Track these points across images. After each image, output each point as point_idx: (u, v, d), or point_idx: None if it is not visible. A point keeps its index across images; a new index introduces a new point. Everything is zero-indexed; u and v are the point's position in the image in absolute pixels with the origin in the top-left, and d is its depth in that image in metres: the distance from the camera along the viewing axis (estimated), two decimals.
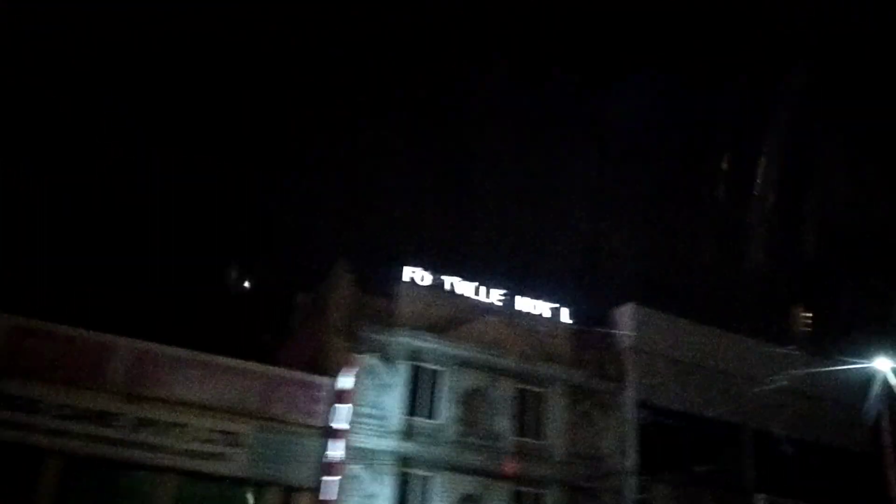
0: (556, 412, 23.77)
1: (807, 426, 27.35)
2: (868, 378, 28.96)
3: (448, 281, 23.57)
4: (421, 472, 21.39)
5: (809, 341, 30.03)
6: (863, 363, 29.49)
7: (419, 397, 22.18)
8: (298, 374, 19.77)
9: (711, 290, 29.09)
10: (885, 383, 29.17)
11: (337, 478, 19.17)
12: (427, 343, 22.39)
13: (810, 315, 29.89)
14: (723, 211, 29.79)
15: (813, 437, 27.34)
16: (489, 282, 24.05)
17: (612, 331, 25.79)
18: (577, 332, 24.98)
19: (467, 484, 21.79)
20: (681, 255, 29.35)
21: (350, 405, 19.99)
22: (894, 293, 31.03)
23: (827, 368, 28.91)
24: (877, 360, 29.35)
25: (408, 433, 21.45)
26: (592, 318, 25.89)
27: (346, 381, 20.08)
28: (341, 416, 19.71)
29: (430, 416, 22.13)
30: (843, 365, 29.53)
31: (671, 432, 24.89)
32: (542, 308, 24.58)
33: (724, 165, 29.29)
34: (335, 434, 19.51)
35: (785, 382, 27.36)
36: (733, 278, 29.63)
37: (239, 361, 19.29)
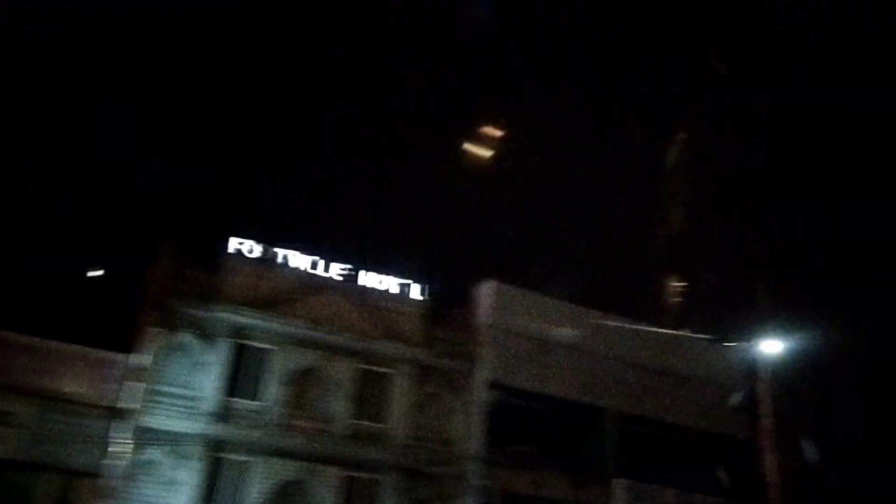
0: (401, 393, 22.46)
1: (680, 410, 26.29)
2: (749, 361, 28.06)
3: (282, 254, 22.08)
4: (237, 458, 19.99)
5: (687, 322, 28.96)
6: (745, 345, 28.59)
7: (242, 377, 20.76)
8: (88, 351, 18.26)
9: (583, 269, 27.85)
10: (768, 366, 28.26)
11: (124, 462, 17.72)
12: (253, 320, 20.95)
13: (683, 285, 28.74)
14: (596, 186, 28.57)
15: (686, 421, 26.26)
16: (331, 255, 22.62)
17: (468, 308, 24.51)
18: (431, 309, 23.66)
19: (291, 469, 20.43)
20: (553, 232, 28.08)
21: (144, 384, 18.53)
22: (780, 275, 30.05)
23: (705, 350, 27.99)
24: (764, 342, 28.48)
25: (224, 415, 20.03)
26: (449, 295, 24.61)
27: (141, 359, 18.61)
28: (133, 396, 18.25)
29: (253, 398, 20.73)
30: (724, 346, 28.62)
31: (527, 415, 23.69)
32: (391, 284, 23.23)
33: (598, 141, 28.08)
34: (126, 414, 18.05)
35: (656, 364, 26.32)
36: (608, 258, 28.43)
37: (18, 336, 17.74)
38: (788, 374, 28.60)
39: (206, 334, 20.41)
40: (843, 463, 26.79)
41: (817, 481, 26.26)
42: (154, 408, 18.80)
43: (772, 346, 28.84)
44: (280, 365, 21.16)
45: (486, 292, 24.59)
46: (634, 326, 26.29)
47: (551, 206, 27.85)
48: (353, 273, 22.73)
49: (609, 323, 25.95)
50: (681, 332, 27.38)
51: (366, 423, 21.82)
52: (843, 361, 28.61)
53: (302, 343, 21.47)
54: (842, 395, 28.00)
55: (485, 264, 25.54)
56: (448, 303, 24.47)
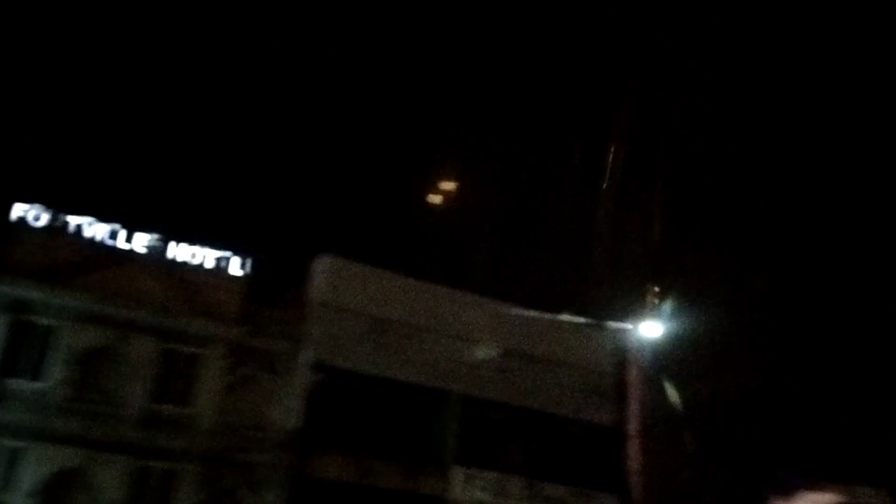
0: (211, 375, 20.66)
1: (540, 394, 24.58)
2: (623, 344, 26.58)
3: (76, 222, 20.10)
4: (7, 442, 18.16)
5: (561, 303, 27.26)
6: (621, 328, 27.10)
7: (22, 356, 18.91)
8: None
9: (447, 245, 26.09)
10: (638, 349, 26.78)
11: None
12: (34, 294, 19.08)
13: (558, 264, 27.00)
14: (464, 150, 26.87)
15: (547, 406, 24.56)
16: (136, 225, 20.72)
17: (300, 285, 22.69)
18: (254, 285, 21.85)
19: (70, 457, 18.59)
20: (412, 201, 26.29)
21: None
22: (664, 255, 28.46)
23: (573, 332, 26.34)
24: (643, 324, 27.14)
25: None
26: (279, 269, 22.78)
27: None
28: None
29: (34, 378, 18.89)
30: (596, 329, 26.98)
31: (361, 399, 21.93)
32: (206, 257, 21.39)
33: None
34: None
35: (514, 345, 24.59)
36: (474, 232, 26.71)
37: None
38: (665, 358, 27.21)
39: None
40: (711, 450, 25.26)
41: (681, 471, 24.72)
42: None
43: (650, 330, 27.44)
44: (67, 343, 19.32)
45: (321, 268, 22.78)
46: (490, 305, 24.56)
47: (411, 171, 25.97)
48: (161, 243, 20.87)
49: (462, 301, 24.22)
50: (544, 314, 25.63)
51: (167, 407, 20.03)
52: (723, 346, 27.16)
53: (93, 319, 19.61)
54: (717, 380, 26.49)
55: (327, 237, 23.61)
56: (279, 278, 22.68)
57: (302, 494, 20.12)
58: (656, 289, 30.11)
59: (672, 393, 26.58)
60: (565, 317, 26.59)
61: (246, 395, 20.98)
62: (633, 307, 27.46)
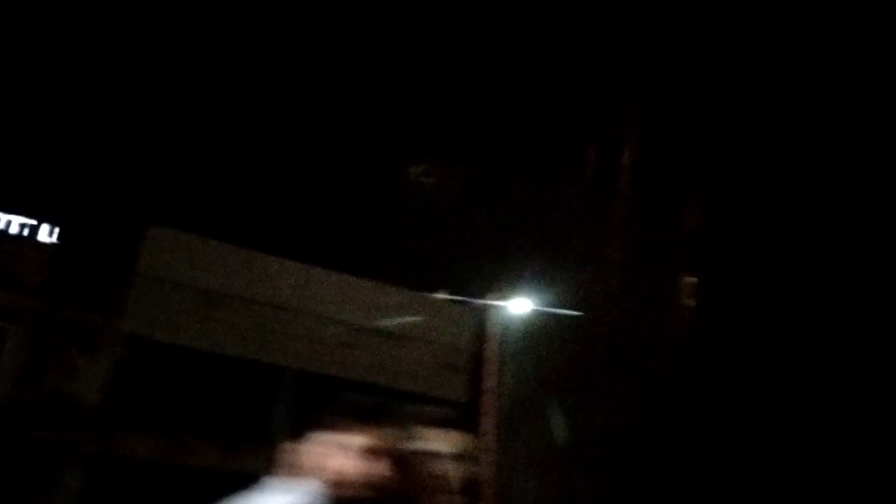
0: (9, 349, 19.45)
1: (391, 371, 23.52)
2: (483, 319, 25.82)
3: None
4: None
5: (427, 279, 26.36)
6: (486, 303, 26.37)
7: None
8: None
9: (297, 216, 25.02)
10: (498, 325, 26.04)
11: None
12: None
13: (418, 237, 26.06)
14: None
15: (397, 383, 23.47)
16: None
17: (122, 256, 21.54)
18: (68, 254, 20.72)
19: None
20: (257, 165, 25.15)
21: None
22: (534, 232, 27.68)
23: (431, 307, 25.40)
24: (514, 300, 26.67)
25: None
26: (101, 238, 21.66)
27: None
28: None
29: None
30: (459, 304, 26.19)
31: (180, 374, 20.80)
32: (12, 223, 20.27)
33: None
34: None
35: (363, 321, 23.56)
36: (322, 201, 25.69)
37: None
38: (533, 336, 26.45)
39: None
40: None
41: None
42: None
43: (519, 306, 26.79)
44: None
45: (148, 238, 21.59)
46: (337, 279, 23.51)
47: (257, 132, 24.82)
48: None
49: (307, 274, 23.15)
50: (397, 289, 24.64)
51: None
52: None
53: None
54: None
55: (168, 208, 22.48)
56: (100, 248, 21.55)
57: (103, 473, 18.92)
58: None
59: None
60: (418, 293, 25.70)
61: (50, 370, 19.80)
62: (502, 283, 26.68)
